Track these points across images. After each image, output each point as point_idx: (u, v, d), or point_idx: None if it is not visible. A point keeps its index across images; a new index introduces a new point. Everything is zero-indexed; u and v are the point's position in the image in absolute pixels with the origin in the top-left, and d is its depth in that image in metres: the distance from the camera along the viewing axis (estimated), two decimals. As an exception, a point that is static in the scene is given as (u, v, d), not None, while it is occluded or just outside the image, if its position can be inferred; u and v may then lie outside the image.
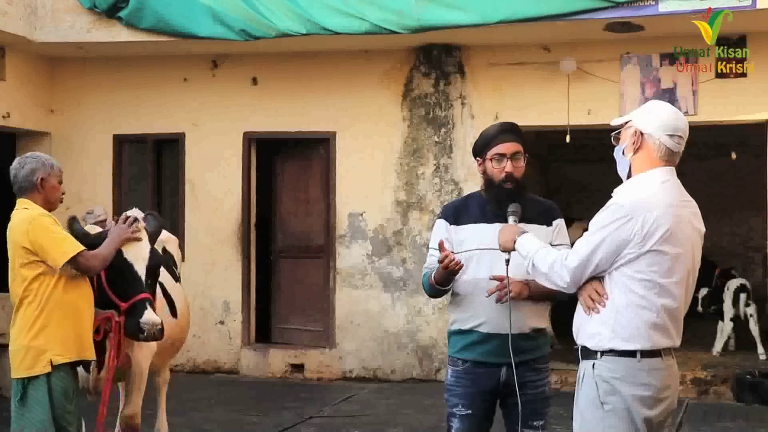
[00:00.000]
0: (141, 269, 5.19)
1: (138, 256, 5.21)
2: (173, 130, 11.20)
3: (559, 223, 4.47)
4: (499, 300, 4.21)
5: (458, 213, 4.45)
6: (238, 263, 11.04)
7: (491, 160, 4.35)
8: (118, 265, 5.11)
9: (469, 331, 4.35)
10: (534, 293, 4.22)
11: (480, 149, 4.43)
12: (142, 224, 5.40)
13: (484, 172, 4.41)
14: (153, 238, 5.45)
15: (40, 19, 10.27)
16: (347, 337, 10.72)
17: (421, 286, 4.61)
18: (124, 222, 5.17)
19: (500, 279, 4.17)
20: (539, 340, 4.41)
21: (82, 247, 4.85)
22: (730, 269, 11.51)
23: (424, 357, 10.51)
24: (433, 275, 4.34)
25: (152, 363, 6.12)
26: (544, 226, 4.40)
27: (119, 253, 5.14)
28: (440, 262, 4.19)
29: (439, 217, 4.52)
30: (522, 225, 4.19)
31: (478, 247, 4.28)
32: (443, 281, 4.31)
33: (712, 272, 11.49)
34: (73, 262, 4.81)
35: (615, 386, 3.66)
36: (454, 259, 4.16)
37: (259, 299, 11.31)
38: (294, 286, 11.13)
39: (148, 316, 5.07)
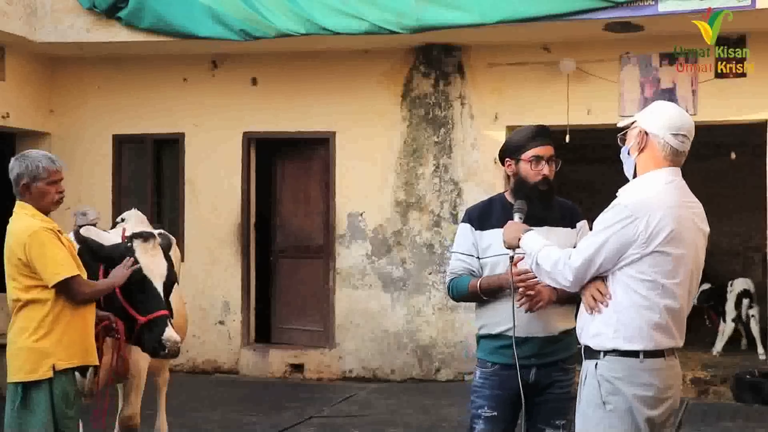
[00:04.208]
0: (160, 285, 5.16)
1: (156, 272, 5.18)
2: (173, 130, 11.20)
3: (583, 224, 4.48)
4: (528, 310, 4.21)
5: (483, 217, 4.44)
6: (237, 263, 11.03)
7: (529, 161, 4.37)
8: (138, 280, 5.07)
9: (499, 336, 4.35)
10: (561, 296, 4.20)
11: (514, 150, 4.42)
12: (158, 240, 5.35)
13: (516, 174, 4.41)
14: (165, 252, 5.41)
15: (39, 19, 10.27)
16: (347, 337, 10.72)
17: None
18: (126, 267, 5.03)
19: (518, 274, 4.15)
20: (567, 340, 4.41)
21: (77, 272, 4.72)
22: (724, 289, 11.45)
23: (424, 357, 10.50)
24: (479, 283, 4.31)
25: (151, 363, 6.10)
26: (568, 228, 4.42)
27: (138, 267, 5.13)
28: (517, 276, 4.13)
29: (464, 221, 4.50)
30: (546, 228, 4.23)
31: (503, 253, 4.22)
32: (494, 294, 4.30)
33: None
34: (64, 285, 4.65)
35: (617, 386, 3.66)
36: (533, 278, 4.10)
37: (259, 299, 11.30)
38: (294, 286, 11.12)
39: (170, 333, 5.03)
